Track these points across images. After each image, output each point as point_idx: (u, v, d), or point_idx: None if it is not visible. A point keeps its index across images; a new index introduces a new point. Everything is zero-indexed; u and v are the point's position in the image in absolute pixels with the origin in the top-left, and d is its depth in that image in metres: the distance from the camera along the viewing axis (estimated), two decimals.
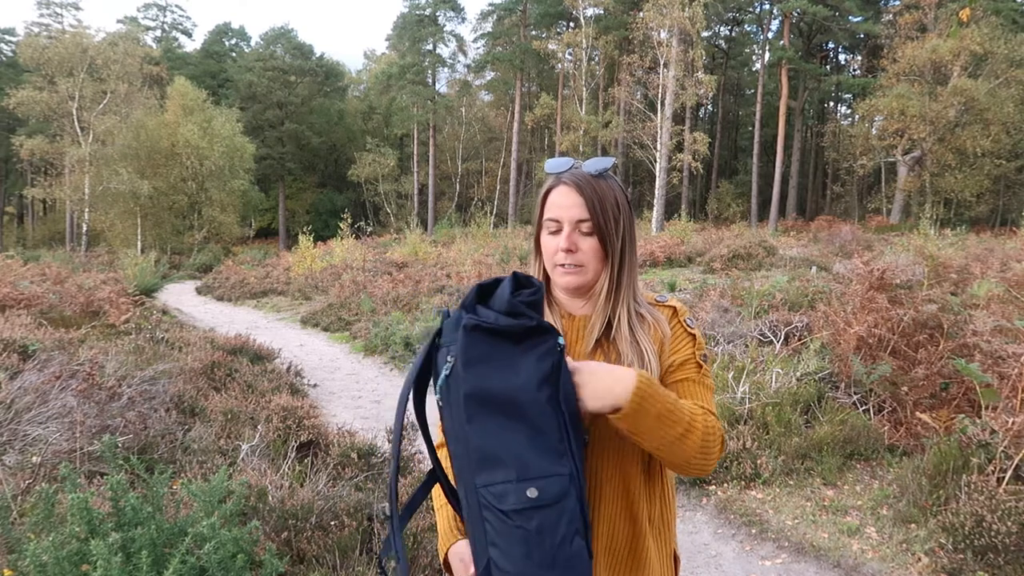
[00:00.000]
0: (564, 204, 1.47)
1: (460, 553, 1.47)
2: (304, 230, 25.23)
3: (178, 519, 2.48)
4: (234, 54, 58.67)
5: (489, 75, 53.28)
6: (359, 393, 7.71)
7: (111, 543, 2.17)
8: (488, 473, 1.18)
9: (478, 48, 51.04)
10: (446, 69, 52.24)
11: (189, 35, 62.79)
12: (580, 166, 1.51)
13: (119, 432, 3.88)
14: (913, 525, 3.97)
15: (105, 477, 2.66)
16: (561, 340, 1.22)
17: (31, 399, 4.05)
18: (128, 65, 35.99)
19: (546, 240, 1.51)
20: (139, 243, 33.27)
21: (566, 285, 1.51)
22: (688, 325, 1.54)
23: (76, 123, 34.84)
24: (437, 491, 1.53)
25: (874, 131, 36.68)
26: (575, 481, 1.20)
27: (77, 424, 3.77)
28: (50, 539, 2.21)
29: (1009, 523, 3.45)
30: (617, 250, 1.50)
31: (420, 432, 1.45)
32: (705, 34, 40.18)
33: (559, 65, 47.26)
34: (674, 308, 1.57)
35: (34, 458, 3.44)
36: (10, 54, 50.41)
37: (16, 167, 50.58)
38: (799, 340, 6.78)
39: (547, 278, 1.56)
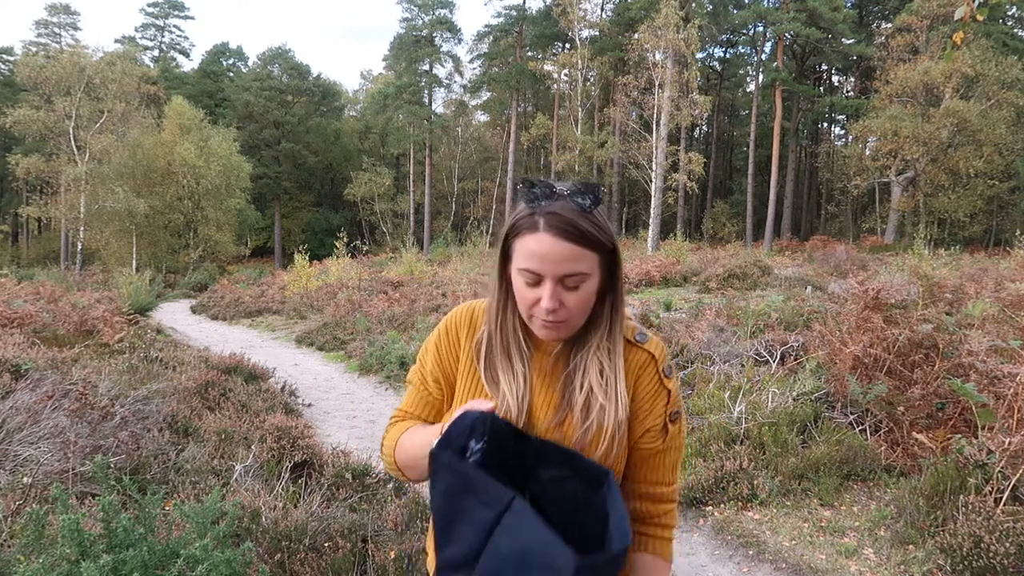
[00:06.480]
0: (546, 256, 1.23)
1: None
2: (300, 249, 25.29)
3: (170, 540, 2.45)
4: (231, 74, 58.96)
5: (485, 95, 53.68)
6: (354, 413, 7.67)
7: (102, 565, 2.14)
8: None
9: (474, 68, 51.57)
10: (442, 89, 52.77)
11: (187, 55, 63.05)
12: (563, 193, 1.25)
13: (111, 452, 3.85)
14: (911, 546, 3.95)
15: (97, 498, 2.64)
16: None
17: (23, 419, 4.02)
18: (125, 84, 36.16)
19: (520, 285, 1.30)
20: (134, 262, 33.22)
21: (545, 338, 1.34)
22: (665, 376, 1.40)
23: (72, 142, 34.92)
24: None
25: (868, 152, 37.02)
26: None
27: (69, 444, 3.73)
28: (40, 561, 2.18)
29: (1007, 544, 3.44)
30: (616, 300, 1.35)
31: None
32: (699, 55, 40.52)
33: (555, 86, 47.70)
34: (652, 356, 1.39)
35: (25, 479, 3.40)
36: (7, 73, 50.66)
37: (11, 186, 50.70)
38: (795, 360, 6.78)
39: (517, 312, 1.37)
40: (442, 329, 1.48)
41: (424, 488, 4.36)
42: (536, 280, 1.26)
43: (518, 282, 1.30)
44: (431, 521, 1.26)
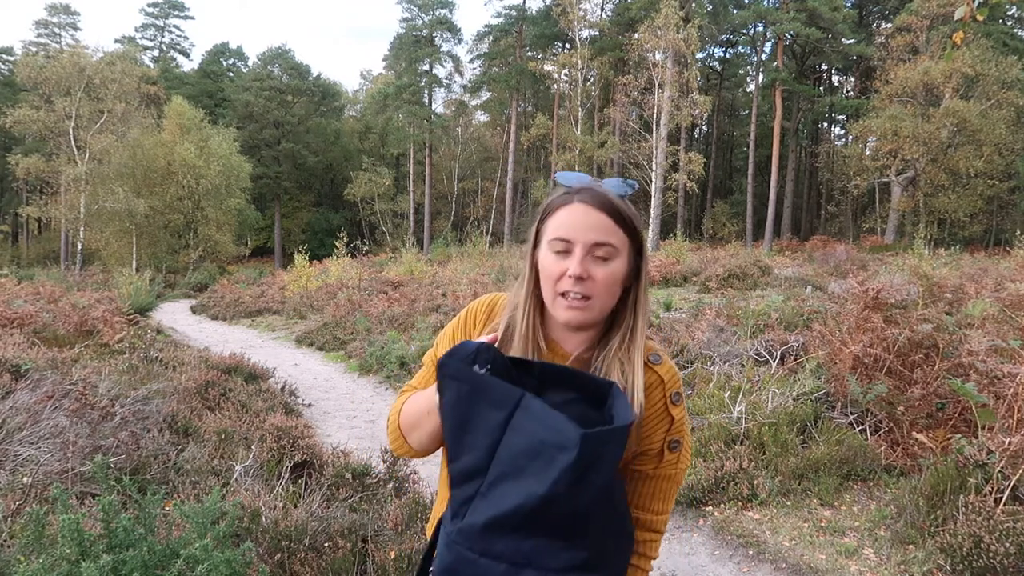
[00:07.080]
0: (579, 224, 1.26)
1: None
2: (300, 249, 25.28)
3: (170, 541, 2.45)
4: (231, 74, 58.94)
5: (485, 95, 53.67)
6: (354, 413, 7.67)
7: (102, 565, 2.14)
8: None
9: (474, 68, 51.57)
10: (442, 89, 52.76)
11: (187, 55, 63.04)
12: (597, 180, 1.31)
13: (111, 452, 3.85)
14: (911, 546, 3.95)
15: (97, 498, 2.64)
16: None
17: (23, 419, 4.02)
18: (125, 84, 36.14)
19: (548, 261, 1.30)
20: (134, 262, 33.18)
21: (567, 321, 1.31)
22: (672, 402, 1.37)
23: (72, 142, 34.91)
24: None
25: (868, 152, 37.00)
26: None
27: (69, 444, 3.73)
28: (40, 561, 2.18)
29: (1007, 544, 3.44)
30: (639, 296, 1.34)
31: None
32: (699, 55, 40.51)
33: (555, 86, 47.67)
34: (661, 379, 1.37)
35: (24, 479, 3.40)
36: (7, 73, 50.65)
37: (11, 186, 50.68)
38: (795, 360, 6.78)
39: (539, 307, 1.37)
40: (462, 316, 1.51)
41: (424, 488, 4.36)
42: (567, 248, 1.27)
43: (547, 259, 1.30)
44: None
